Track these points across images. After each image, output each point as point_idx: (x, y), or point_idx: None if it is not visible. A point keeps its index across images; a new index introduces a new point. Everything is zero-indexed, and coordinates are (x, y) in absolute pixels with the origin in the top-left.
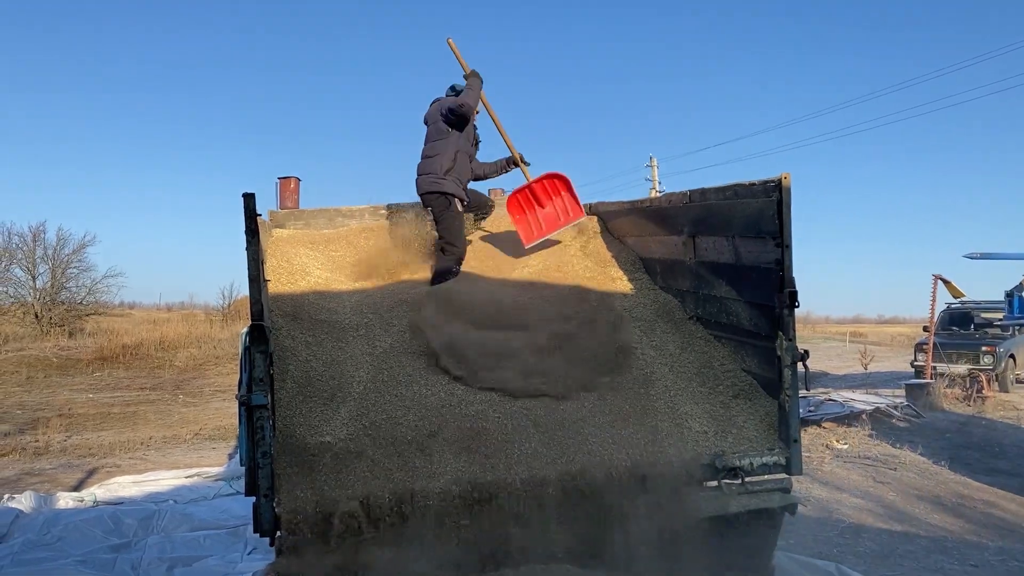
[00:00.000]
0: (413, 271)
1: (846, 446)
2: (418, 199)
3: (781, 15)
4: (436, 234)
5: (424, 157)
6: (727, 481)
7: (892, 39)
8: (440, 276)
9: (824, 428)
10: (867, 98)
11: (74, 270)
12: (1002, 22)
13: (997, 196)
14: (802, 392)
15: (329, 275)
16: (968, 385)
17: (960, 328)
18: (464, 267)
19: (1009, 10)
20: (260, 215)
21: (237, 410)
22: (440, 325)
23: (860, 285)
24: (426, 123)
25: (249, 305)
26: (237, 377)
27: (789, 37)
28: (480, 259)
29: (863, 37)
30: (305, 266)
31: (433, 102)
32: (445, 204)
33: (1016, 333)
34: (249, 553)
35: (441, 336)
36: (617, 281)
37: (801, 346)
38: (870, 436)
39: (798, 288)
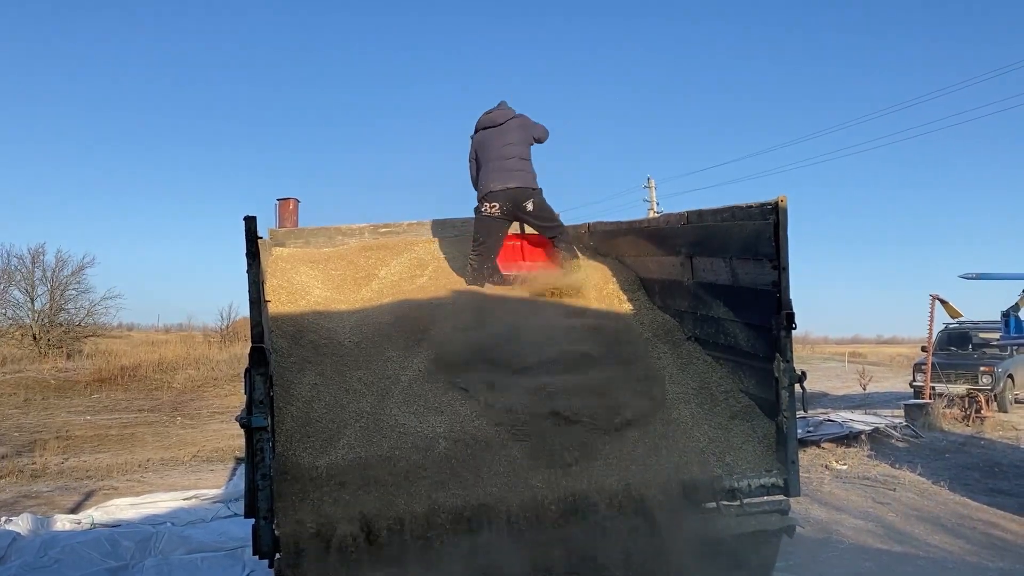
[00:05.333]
0: (410, 287)
1: (845, 466)
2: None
3: (779, 34)
4: (539, 225)
5: (517, 158)
6: (725, 503)
7: (888, 59)
8: (572, 249)
9: (823, 448)
10: (865, 119)
11: (73, 292)
12: (999, 43)
13: (993, 217)
14: (801, 413)
15: (329, 294)
16: (967, 405)
17: (958, 348)
18: (461, 288)
19: (1005, 32)
20: (261, 236)
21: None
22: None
23: (859, 305)
24: (496, 124)
25: (250, 327)
26: (235, 399)
27: (787, 56)
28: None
29: (858, 58)
30: (305, 285)
31: (500, 108)
32: (540, 194)
33: (1014, 353)
34: (248, 575)
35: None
36: (616, 300)
37: (799, 367)
38: (869, 456)
39: (795, 309)
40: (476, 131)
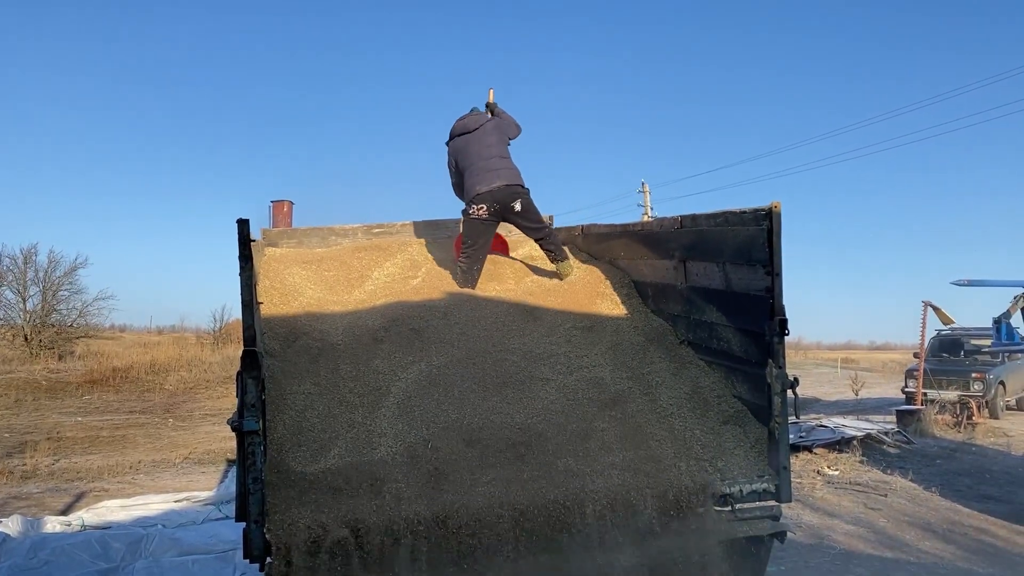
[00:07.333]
0: (403, 288)
1: (837, 472)
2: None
3: (775, 39)
4: (527, 226)
5: (497, 157)
6: (716, 508)
7: (883, 65)
8: (561, 249)
9: (815, 454)
10: (859, 125)
11: (65, 292)
12: (993, 51)
13: (985, 224)
14: (793, 418)
15: (322, 295)
16: (958, 411)
17: (950, 355)
18: (454, 290)
19: (999, 40)
20: (254, 239)
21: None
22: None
23: (852, 311)
24: (470, 130)
25: (243, 330)
26: (227, 401)
27: (781, 62)
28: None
29: (852, 64)
30: (298, 286)
31: (473, 114)
32: (528, 194)
33: (1005, 360)
34: None
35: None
36: (610, 304)
37: (792, 372)
38: (861, 462)
39: (788, 315)
40: (451, 138)
